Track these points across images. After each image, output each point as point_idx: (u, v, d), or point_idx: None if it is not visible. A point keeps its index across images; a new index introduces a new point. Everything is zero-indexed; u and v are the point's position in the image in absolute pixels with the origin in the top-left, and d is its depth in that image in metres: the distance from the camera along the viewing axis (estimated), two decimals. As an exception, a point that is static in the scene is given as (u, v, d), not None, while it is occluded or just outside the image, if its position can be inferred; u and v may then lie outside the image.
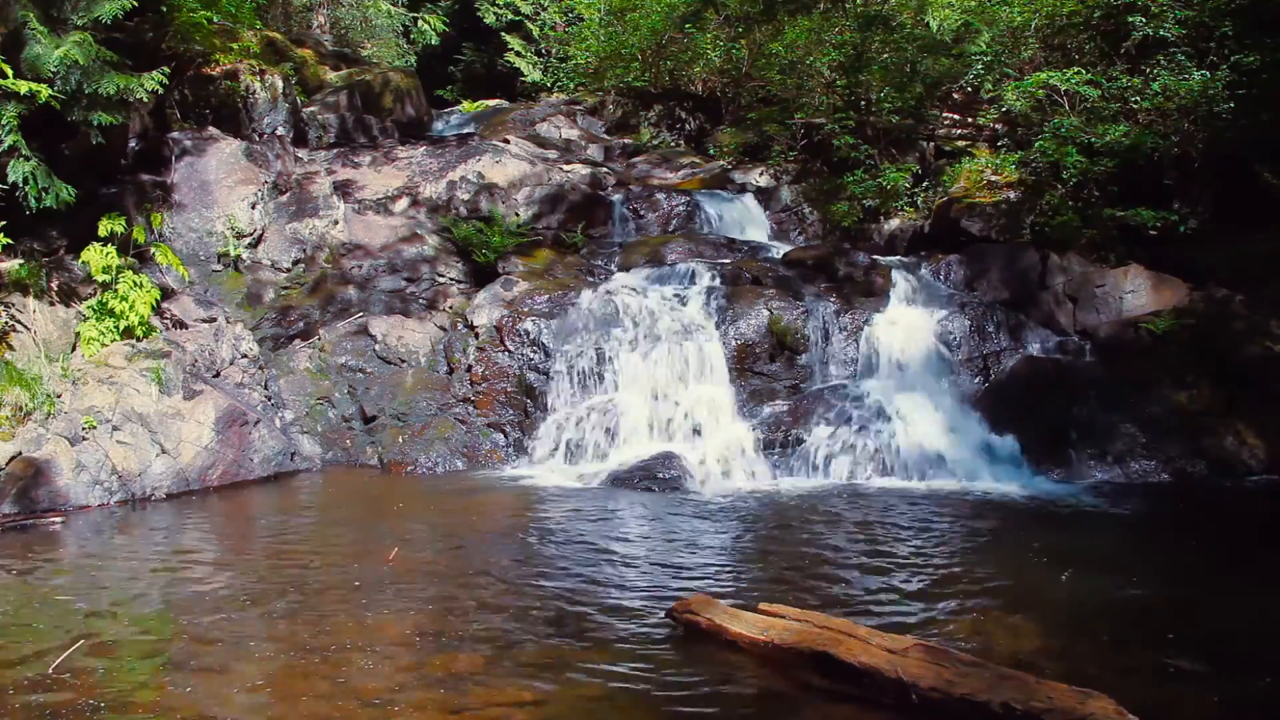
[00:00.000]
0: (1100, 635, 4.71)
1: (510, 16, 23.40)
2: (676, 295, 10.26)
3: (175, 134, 11.87)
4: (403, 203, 12.29)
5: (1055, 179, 10.97)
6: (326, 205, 11.92)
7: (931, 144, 13.26)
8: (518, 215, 12.22)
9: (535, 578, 5.73)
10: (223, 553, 6.59)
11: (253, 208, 11.54)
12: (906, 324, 9.86)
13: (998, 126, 12.87)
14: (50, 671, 4.24)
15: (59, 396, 8.10)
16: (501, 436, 9.50)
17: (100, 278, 9.30)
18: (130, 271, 9.51)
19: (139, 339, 9.13)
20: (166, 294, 10.09)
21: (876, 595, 5.36)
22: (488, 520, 7.29)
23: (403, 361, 10.19)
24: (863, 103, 13.05)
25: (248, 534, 7.21)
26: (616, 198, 12.81)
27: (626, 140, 15.75)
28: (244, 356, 9.63)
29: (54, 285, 9.43)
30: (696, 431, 9.15)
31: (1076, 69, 11.13)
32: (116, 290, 9.24)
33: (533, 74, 22.74)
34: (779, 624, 4.43)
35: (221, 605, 5.22)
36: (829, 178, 13.00)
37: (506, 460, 9.34)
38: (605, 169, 13.93)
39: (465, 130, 16.17)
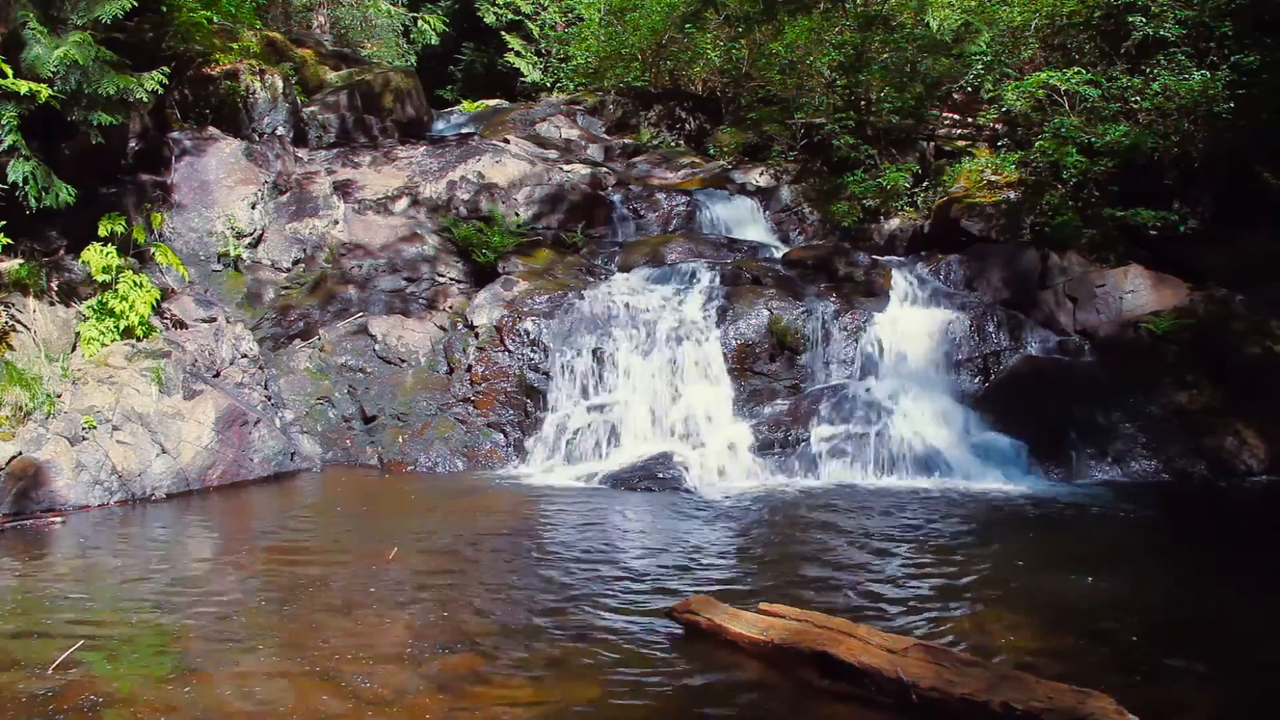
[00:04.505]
0: (1100, 635, 4.71)
1: (510, 16, 23.41)
2: (676, 295, 10.26)
3: (175, 134, 11.87)
4: (403, 203, 12.29)
5: (1055, 179, 10.98)
6: (326, 205, 11.92)
7: (931, 144, 13.26)
8: (518, 215, 12.22)
9: (535, 578, 5.73)
10: (222, 553, 6.59)
11: (253, 208, 11.55)
12: (906, 324, 9.86)
13: (998, 126, 12.87)
14: (50, 671, 4.24)
15: (59, 396, 8.10)
16: (501, 436, 9.50)
17: (100, 278, 9.30)
18: (130, 271, 9.51)
19: (139, 339, 9.12)
20: (166, 294, 10.08)
21: (876, 595, 5.36)
22: (487, 520, 7.29)
23: (403, 361, 10.19)
24: (863, 103, 13.05)
25: (247, 534, 7.21)
26: (616, 198, 12.81)
27: (626, 140, 15.75)
28: (244, 356, 9.63)
29: (54, 285, 9.43)
30: (696, 431, 9.15)
31: (1076, 69, 11.13)
32: (116, 290, 9.24)
33: (533, 74, 22.74)
34: (779, 624, 4.43)
35: (221, 605, 5.22)
36: (829, 178, 13.00)
37: (506, 460, 9.34)
38: (605, 169, 13.93)
39: (465, 130, 16.17)
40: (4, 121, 8.88)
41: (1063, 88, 10.99)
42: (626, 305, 10.08)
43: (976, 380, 9.59)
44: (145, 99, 9.73)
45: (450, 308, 10.93)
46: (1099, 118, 10.73)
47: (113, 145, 10.35)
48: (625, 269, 11.18)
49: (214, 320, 9.98)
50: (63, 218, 9.72)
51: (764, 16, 14.61)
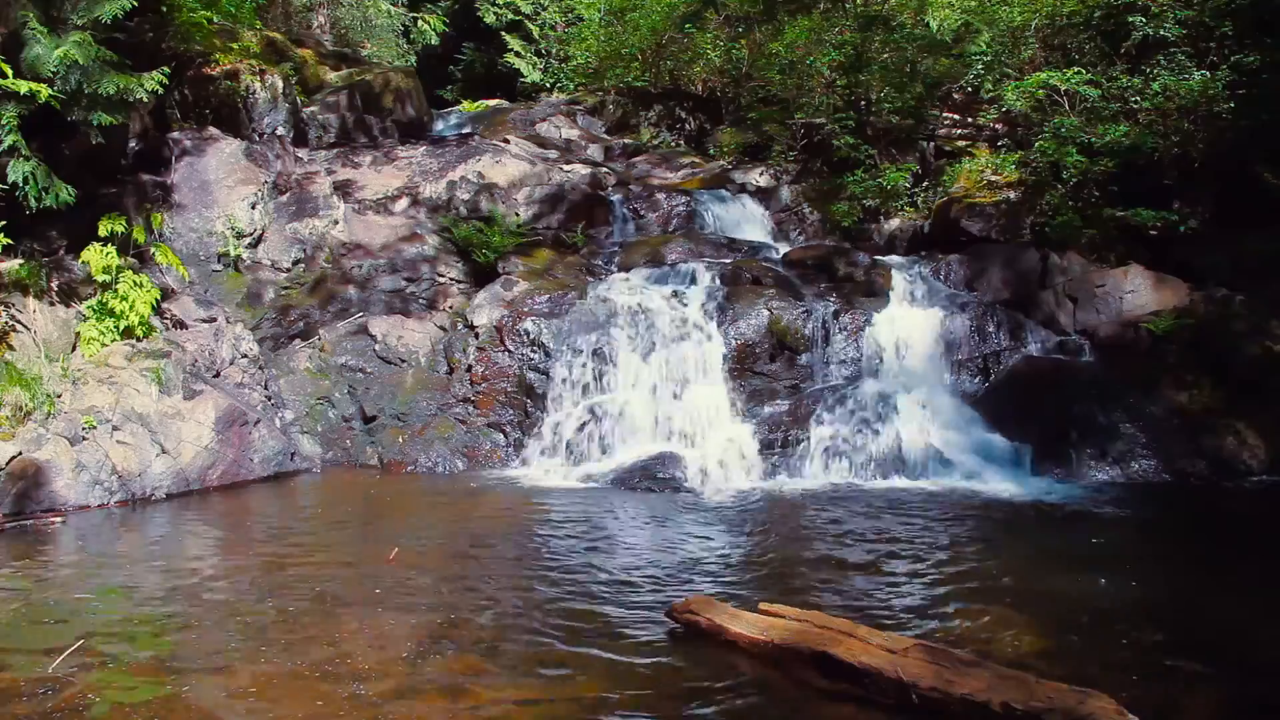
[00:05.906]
0: (1100, 635, 4.71)
1: (510, 16, 23.39)
2: (676, 295, 10.25)
3: (175, 134, 11.87)
4: (403, 203, 12.29)
5: (1055, 179, 10.97)
6: (326, 205, 11.92)
7: (931, 144, 13.26)
8: (518, 215, 12.22)
9: (535, 578, 5.73)
10: (222, 553, 6.59)
11: (253, 208, 11.55)
12: (907, 324, 9.86)
13: (998, 126, 12.88)
14: (50, 671, 4.24)
15: (59, 396, 8.10)
16: (501, 436, 9.50)
17: (100, 278, 9.30)
18: (130, 271, 9.51)
19: (139, 339, 9.12)
20: (166, 294, 10.08)
21: (876, 595, 5.36)
22: (487, 520, 7.29)
23: (403, 361, 10.19)
24: (863, 103, 13.05)
25: (247, 534, 7.21)
26: (616, 198, 12.81)
27: (626, 140, 15.75)
28: (244, 356, 9.63)
29: (54, 285, 9.43)
30: (696, 432, 9.14)
31: (1076, 69, 11.13)
32: (116, 290, 9.24)
33: (533, 74, 22.73)
34: (779, 624, 4.43)
35: (221, 605, 5.22)
36: (829, 178, 13.00)
37: (506, 460, 9.34)
38: (605, 169, 13.93)
39: (465, 130, 16.15)
40: (4, 121, 8.89)
41: (1063, 88, 10.99)
42: (626, 305, 10.07)
43: (976, 380, 9.59)
44: (145, 99, 9.73)
45: (450, 308, 10.93)
46: (1099, 118, 10.73)
47: (113, 145, 10.36)
48: (625, 269, 11.17)
49: (214, 320, 9.98)
50: (63, 218, 9.72)
51: (764, 16, 14.62)
